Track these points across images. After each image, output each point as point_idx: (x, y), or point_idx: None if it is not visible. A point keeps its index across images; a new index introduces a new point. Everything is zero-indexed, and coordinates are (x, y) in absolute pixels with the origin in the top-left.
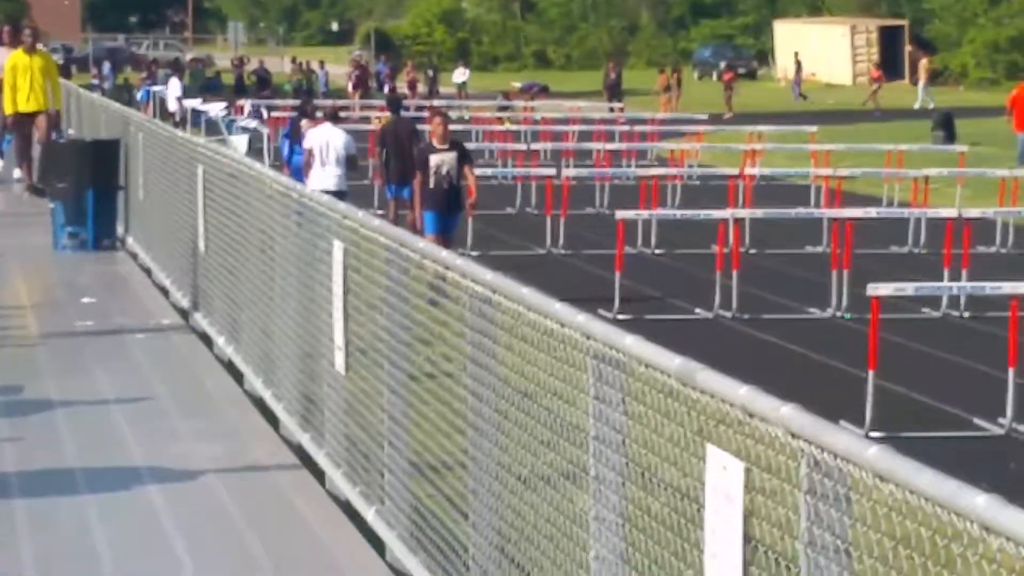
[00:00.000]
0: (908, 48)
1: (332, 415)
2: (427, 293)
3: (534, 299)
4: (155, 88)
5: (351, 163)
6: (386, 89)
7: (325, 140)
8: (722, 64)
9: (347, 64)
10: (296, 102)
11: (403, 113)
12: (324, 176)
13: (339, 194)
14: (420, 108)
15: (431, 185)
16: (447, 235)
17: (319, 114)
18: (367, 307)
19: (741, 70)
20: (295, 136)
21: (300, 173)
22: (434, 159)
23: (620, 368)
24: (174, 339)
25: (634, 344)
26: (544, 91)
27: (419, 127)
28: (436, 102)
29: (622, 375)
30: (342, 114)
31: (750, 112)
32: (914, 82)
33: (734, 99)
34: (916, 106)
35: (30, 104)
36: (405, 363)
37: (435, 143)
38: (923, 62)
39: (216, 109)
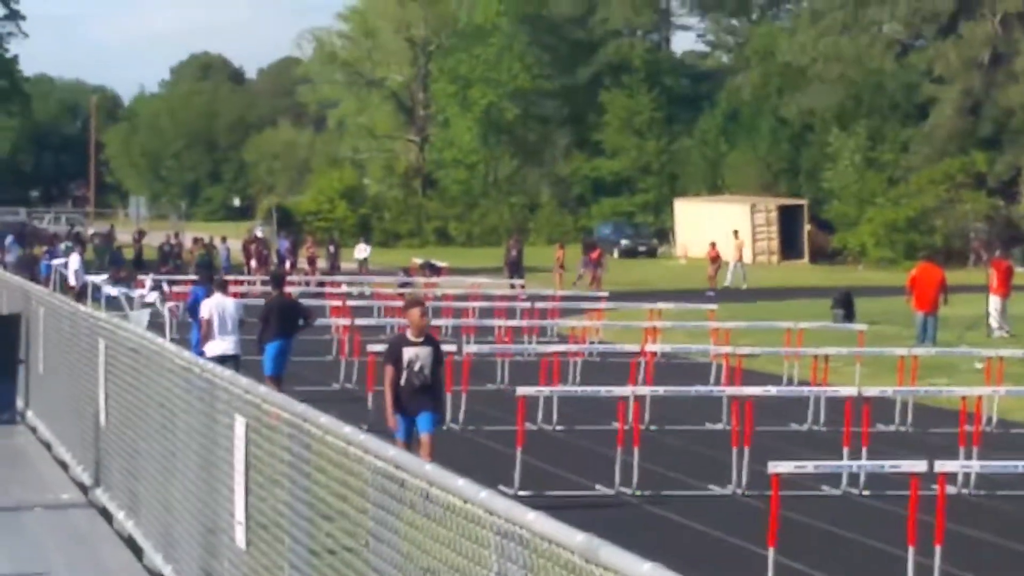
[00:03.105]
0: (807, 227)
1: None
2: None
3: (437, 475)
4: (55, 262)
5: (241, 325)
6: (287, 265)
7: (221, 308)
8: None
9: (246, 238)
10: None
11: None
12: (223, 342)
13: (235, 358)
14: (320, 284)
15: (402, 382)
16: (429, 433)
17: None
18: (269, 482)
19: (641, 248)
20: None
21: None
22: (408, 353)
23: (523, 544)
24: (73, 514)
25: (537, 520)
26: (435, 270)
27: (312, 301)
28: (337, 277)
29: (525, 551)
30: (242, 289)
31: (622, 291)
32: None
33: (603, 276)
34: (727, 283)
35: None
36: (307, 539)
37: (409, 335)
38: (737, 241)
39: (115, 289)
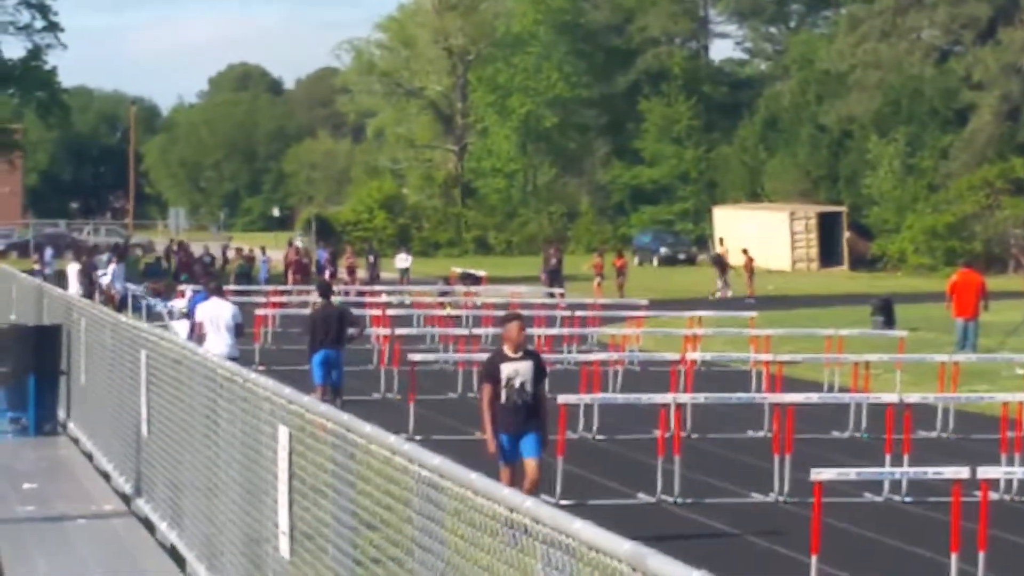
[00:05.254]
0: (847, 234)
1: None
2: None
3: (482, 484)
4: (95, 273)
5: (239, 331)
6: (326, 274)
7: (215, 313)
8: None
9: (286, 249)
10: (236, 287)
11: (334, 298)
12: (216, 345)
13: (231, 360)
14: (360, 293)
15: (502, 400)
16: (536, 458)
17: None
18: (313, 491)
19: (681, 256)
20: None
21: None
22: (506, 369)
23: (569, 553)
24: (116, 524)
25: (583, 529)
26: (474, 279)
27: (352, 310)
28: (377, 287)
29: (571, 560)
30: (283, 299)
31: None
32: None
33: (625, 284)
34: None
35: None
36: (351, 548)
37: (507, 350)
38: (721, 249)
39: (154, 300)
